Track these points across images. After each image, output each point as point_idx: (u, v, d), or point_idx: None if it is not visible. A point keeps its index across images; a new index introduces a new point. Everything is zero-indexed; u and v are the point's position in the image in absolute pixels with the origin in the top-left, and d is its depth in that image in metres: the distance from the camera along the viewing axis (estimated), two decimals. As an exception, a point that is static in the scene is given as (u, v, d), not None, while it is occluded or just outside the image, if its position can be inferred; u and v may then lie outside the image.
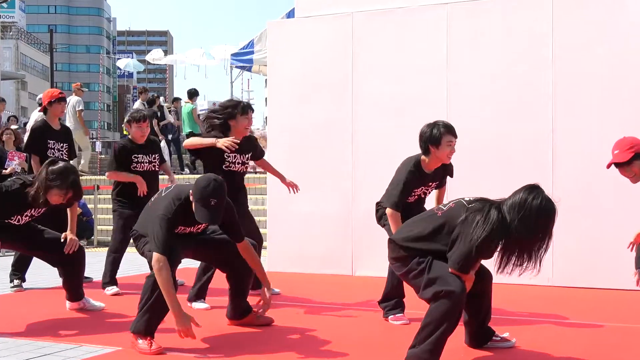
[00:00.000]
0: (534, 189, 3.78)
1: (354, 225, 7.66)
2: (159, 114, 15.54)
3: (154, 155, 6.63)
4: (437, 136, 4.85)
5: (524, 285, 6.54)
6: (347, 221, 7.69)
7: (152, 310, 4.35)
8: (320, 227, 7.79)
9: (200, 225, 4.73)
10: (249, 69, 17.57)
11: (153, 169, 6.64)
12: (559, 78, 6.89)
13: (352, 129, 7.70)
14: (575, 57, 6.86)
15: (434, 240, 3.90)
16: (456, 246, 3.79)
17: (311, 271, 7.75)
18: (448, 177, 5.30)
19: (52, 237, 5.48)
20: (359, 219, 7.55)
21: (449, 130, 4.89)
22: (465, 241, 3.74)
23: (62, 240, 5.42)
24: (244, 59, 16.30)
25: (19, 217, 5.24)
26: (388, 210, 4.93)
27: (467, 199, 4.00)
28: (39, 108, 13.29)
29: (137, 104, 15.87)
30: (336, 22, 7.87)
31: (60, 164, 5.14)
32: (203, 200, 4.30)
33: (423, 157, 4.97)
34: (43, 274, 7.73)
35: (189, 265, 7.37)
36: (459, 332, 4.21)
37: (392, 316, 5.16)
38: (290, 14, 11.92)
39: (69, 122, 14.82)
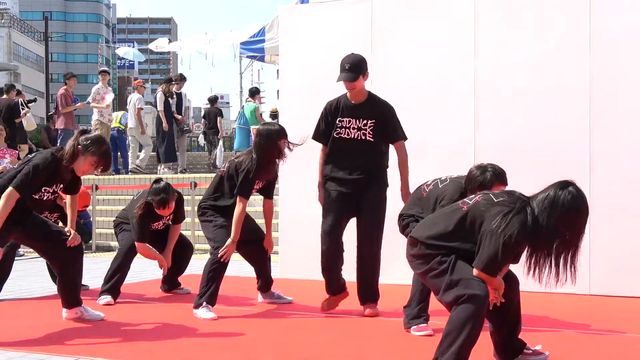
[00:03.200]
0: (565, 185, 3.81)
1: (373, 229, 7.65)
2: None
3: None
4: (488, 185, 4.82)
5: (559, 294, 6.53)
6: (366, 224, 7.69)
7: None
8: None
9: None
10: (260, 59, 17.59)
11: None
12: (596, 70, 6.86)
13: (372, 124, 7.69)
14: (615, 47, 6.83)
15: (458, 237, 3.93)
16: (482, 245, 3.81)
17: (327, 278, 7.75)
18: None
19: (55, 229, 5.64)
20: (379, 222, 7.55)
21: (500, 178, 4.87)
22: (492, 239, 3.76)
23: (67, 233, 5.56)
24: (254, 48, 16.30)
25: (42, 191, 5.40)
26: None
27: (495, 192, 4.03)
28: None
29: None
30: (354, 8, 7.88)
31: (94, 133, 5.37)
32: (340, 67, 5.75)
33: (468, 194, 4.88)
34: (39, 282, 7.82)
35: (195, 272, 7.42)
36: (488, 345, 4.22)
37: (414, 327, 5.18)
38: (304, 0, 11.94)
39: (130, 121, 15.09)
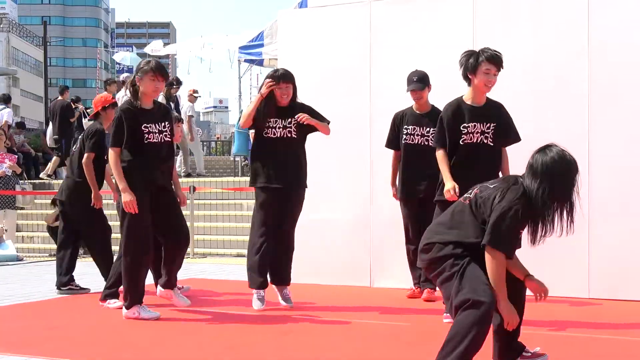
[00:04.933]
0: (545, 148, 3.96)
1: (372, 232, 7.66)
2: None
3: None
4: (474, 64, 4.97)
5: (558, 297, 6.54)
6: (366, 227, 7.70)
7: None
8: (335, 235, 7.81)
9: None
10: (259, 63, 17.61)
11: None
12: (595, 70, 6.86)
13: (371, 127, 7.71)
14: (614, 47, 6.82)
15: (467, 229, 3.97)
16: (489, 223, 3.88)
17: (326, 282, 7.76)
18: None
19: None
20: (378, 225, 7.56)
21: (490, 58, 4.99)
22: (494, 213, 3.85)
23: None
24: (253, 52, 16.32)
25: (149, 127, 5.69)
26: (438, 152, 5.61)
27: (490, 181, 4.17)
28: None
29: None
30: (353, 12, 7.89)
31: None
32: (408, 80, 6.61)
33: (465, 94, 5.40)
34: (40, 286, 7.80)
35: (196, 276, 7.43)
36: (488, 348, 4.23)
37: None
38: (303, 4, 11.96)
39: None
